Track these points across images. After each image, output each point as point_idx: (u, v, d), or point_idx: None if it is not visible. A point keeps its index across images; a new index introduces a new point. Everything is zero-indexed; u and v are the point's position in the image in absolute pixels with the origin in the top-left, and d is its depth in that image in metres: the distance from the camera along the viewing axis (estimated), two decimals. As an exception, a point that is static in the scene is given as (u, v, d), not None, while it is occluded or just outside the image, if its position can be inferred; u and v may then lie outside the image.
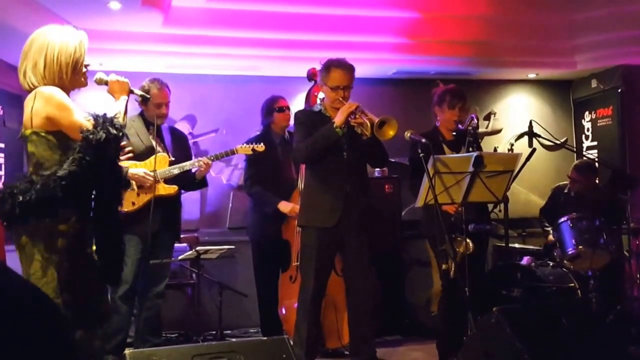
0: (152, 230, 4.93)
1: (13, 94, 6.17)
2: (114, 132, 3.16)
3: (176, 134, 5.52)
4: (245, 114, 6.66)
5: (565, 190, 6.47)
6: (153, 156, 5.06)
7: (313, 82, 5.68)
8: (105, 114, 3.25)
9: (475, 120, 4.68)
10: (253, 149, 5.50)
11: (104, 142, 3.11)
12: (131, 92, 3.60)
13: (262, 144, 5.60)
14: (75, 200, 3.15)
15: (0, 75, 6.04)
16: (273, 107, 5.91)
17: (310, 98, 5.75)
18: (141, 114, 5.25)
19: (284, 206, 5.64)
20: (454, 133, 5.04)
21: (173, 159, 5.18)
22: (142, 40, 6.15)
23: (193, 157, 5.43)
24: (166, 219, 5.12)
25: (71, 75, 3.31)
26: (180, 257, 5.59)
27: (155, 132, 5.16)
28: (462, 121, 4.91)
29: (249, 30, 6.24)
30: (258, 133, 5.99)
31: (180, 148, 5.39)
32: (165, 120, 5.36)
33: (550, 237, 6.32)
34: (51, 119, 3.18)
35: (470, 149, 4.57)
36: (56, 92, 3.22)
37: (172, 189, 5.12)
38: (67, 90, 3.33)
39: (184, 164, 5.20)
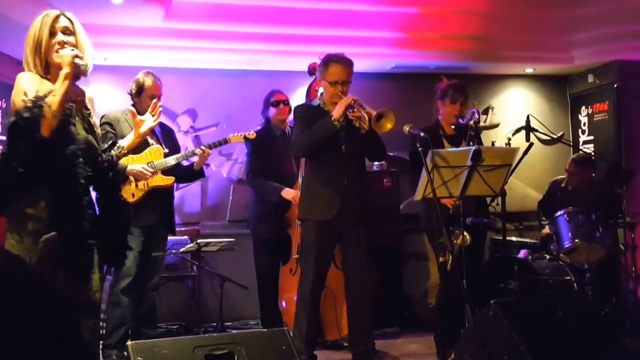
0: (149, 223, 5.04)
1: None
2: (27, 115, 3.02)
3: (165, 128, 5.57)
4: (246, 108, 6.70)
5: (563, 185, 6.50)
6: (148, 148, 5.14)
7: (314, 76, 5.72)
8: (39, 96, 3.08)
9: (477, 116, 4.72)
10: (245, 137, 5.57)
11: (14, 128, 3.05)
12: (75, 65, 3.15)
13: (256, 135, 5.68)
14: (30, 185, 3.09)
15: (2, 68, 6.07)
16: (270, 100, 5.97)
17: (311, 92, 5.79)
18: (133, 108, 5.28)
19: (287, 193, 5.68)
20: (453, 127, 5.09)
21: (167, 150, 5.24)
22: (143, 35, 6.18)
23: (182, 151, 5.50)
24: (162, 212, 5.21)
25: (36, 59, 3.17)
26: (181, 250, 5.64)
27: None
28: (463, 116, 4.94)
29: (249, 25, 6.27)
30: (259, 127, 6.04)
31: (170, 141, 5.44)
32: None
33: (545, 230, 6.37)
34: (13, 104, 3.13)
35: (471, 143, 4.61)
36: (21, 76, 3.16)
37: (169, 179, 5.20)
38: (54, 75, 3.21)
39: (180, 154, 5.29)
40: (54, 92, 3.06)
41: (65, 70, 3.08)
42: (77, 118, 3.26)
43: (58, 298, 1.24)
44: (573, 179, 6.36)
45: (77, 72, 3.19)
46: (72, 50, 3.13)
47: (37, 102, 3.04)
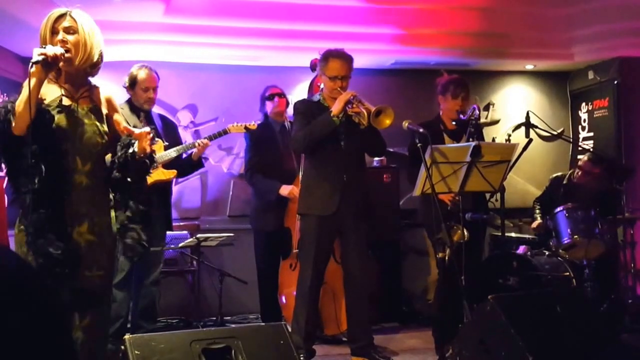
0: None
1: (18, 83, 6.23)
2: None
3: (166, 122, 5.59)
4: (246, 103, 6.70)
5: (565, 181, 6.49)
6: None
7: (316, 72, 5.73)
8: (9, 100, 3.17)
9: (477, 111, 4.72)
10: (246, 127, 5.58)
11: None
12: (43, 63, 3.07)
13: (256, 131, 5.71)
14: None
15: (5, 64, 6.09)
16: (265, 96, 5.99)
17: (313, 88, 5.81)
18: (129, 102, 5.30)
19: (284, 189, 5.70)
20: (454, 122, 5.10)
21: (167, 143, 5.24)
22: (143, 30, 6.19)
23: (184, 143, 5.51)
24: (158, 207, 5.18)
25: None
26: (180, 245, 5.66)
27: (145, 119, 5.25)
28: (464, 111, 4.95)
29: (249, 20, 6.28)
30: (259, 122, 6.05)
31: (171, 135, 5.44)
32: (152, 106, 5.40)
33: (535, 223, 6.36)
34: None
35: (471, 139, 4.61)
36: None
37: (171, 173, 5.21)
38: (63, 75, 3.27)
39: (181, 146, 5.29)
40: (21, 94, 3.08)
41: (31, 69, 3.07)
42: (75, 112, 3.26)
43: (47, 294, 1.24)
44: (582, 176, 6.33)
45: (51, 67, 3.13)
46: (43, 47, 3.10)
47: (6, 105, 3.11)
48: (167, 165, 5.19)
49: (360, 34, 6.53)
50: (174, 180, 6.55)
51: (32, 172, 3.08)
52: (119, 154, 3.31)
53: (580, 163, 6.43)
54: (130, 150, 3.30)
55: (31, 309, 1.11)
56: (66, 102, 3.24)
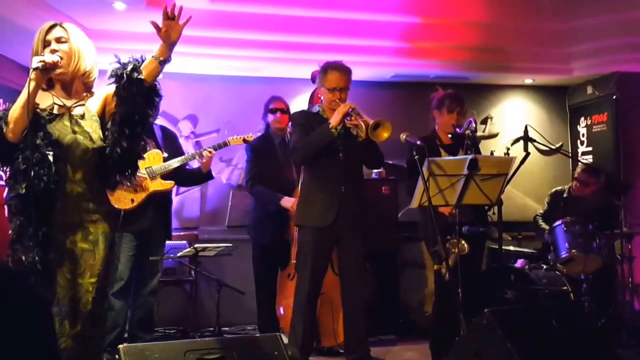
0: (143, 228, 5.04)
1: (19, 91, 6.23)
2: None
3: (166, 132, 5.56)
4: (247, 114, 6.73)
5: (565, 195, 6.51)
6: (147, 153, 5.06)
7: (316, 83, 5.75)
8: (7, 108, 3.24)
9: (474, 125, 4.73)
10: (244, 139, 5.58)
11: None
12: (40, 70, 3.13)
13: (256, 142, 5.75)
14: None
15: (6, 72, 6.11)
16: (269, 107, 5.99)
17: (313, 99, 5.82)
18: None
19: (286, 202, 5.69)
20: (450, 136, 5.12)
21: (166, 155, 5.23)
22: (145, 40, 6.19)
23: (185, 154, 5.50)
24: (158, 217, 5.20)
25: None
26: (179, 254, 5.66)
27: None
28: (460, 125, 4.96)
29: (251, 32, 6.31)
30: (259, 133, 6.07)
31: (171, 146, 5.42)
32: (157, 117, 5.36)
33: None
34: None
35: (469, 152, 4.62)
36: None
37: (169, 184, 5.18)
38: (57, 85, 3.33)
39: (180, 157, 5.26)
40: (17, 101, 3.14)
41: (31, 76, 3.12)
42: (65, 120, 3.28)
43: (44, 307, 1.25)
44: (579, 187, 6.35)
45: (48, 72, 3.19)
46: (43, 55, 3.16)
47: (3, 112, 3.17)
48: (166, 176, 5.18)
49: (361, 47, 6.56)
50: (176, 189, 6.59)
51: (21, 177, 3.11)
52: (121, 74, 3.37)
53: (575, 175, 6.47)
54: (135, 75, 3.41)
55: (12, 318, 1.12)
56: (57, 110, 3.28)
